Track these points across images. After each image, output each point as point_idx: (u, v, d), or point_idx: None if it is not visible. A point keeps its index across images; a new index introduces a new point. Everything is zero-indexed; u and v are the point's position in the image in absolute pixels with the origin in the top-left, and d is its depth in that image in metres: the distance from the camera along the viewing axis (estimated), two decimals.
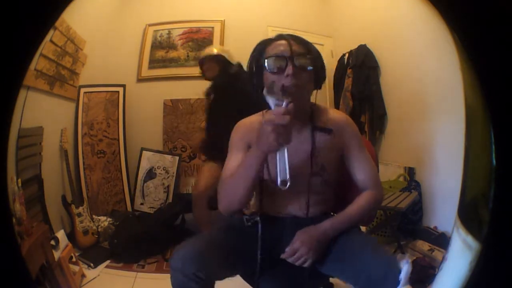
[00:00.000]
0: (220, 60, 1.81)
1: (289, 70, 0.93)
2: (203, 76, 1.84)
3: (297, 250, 0.95)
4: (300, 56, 0.95)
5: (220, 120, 1.72)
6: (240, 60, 1.75)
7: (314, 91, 1.06)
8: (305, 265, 0.96)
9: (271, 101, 0.91)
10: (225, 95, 1.77)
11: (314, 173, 1.03)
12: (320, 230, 0.98)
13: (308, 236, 0.97)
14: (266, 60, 0.96)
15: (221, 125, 1.70)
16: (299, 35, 1.01)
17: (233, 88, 1.75)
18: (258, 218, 1.04)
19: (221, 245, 0.99)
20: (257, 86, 1.00)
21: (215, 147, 1.74)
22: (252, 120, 1.09)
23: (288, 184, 0.90)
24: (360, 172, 1.06)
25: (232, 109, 1.68)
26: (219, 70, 1.80)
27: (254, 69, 1.00)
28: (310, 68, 0.97)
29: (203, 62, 1.86)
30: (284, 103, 0.86)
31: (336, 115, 1.09)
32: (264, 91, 0.93)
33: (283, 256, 0.98)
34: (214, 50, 1.88)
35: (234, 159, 1.02)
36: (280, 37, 1.00)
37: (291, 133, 0.85)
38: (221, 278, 0.97)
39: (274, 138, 0.83)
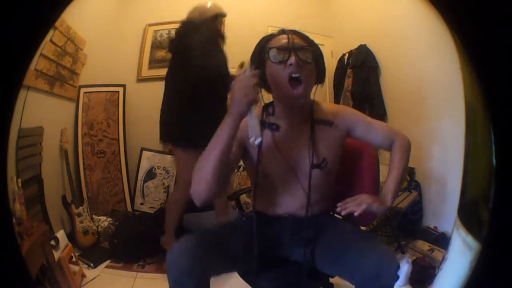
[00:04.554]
0: None
1: (292, 59, 0.95)
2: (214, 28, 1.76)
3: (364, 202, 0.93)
4: (301, 48, 0.98)
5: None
6: (241, 59, 1.74)
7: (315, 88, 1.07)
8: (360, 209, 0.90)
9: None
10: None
11: (315, 165, 1.03)
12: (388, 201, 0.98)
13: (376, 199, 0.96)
14: (269, 52, 0.98)
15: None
16: (299, 31, 1.03)
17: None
18: (253, 214, 1.03)
19: (219, 241, 0.98)
20: (260, 78, 1.01)
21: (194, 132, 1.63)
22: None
23: (259, 139, 0.91)
24: (376, 137, 1.09)
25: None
26: None
27: (257, 62, 1.01)
28: (311, 59, 0.99)
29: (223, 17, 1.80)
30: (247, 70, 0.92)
31: (334, 107, 1.13)
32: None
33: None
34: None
35: None
36: (282, 31, 1.02)
37: (258, 92, 0.90)
38: (217, 274, 0.97)
39: (243, 97, 0.88)
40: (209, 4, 1.76)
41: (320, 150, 1.04)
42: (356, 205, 0.92)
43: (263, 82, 1.00)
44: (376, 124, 1.11)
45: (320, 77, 1.04)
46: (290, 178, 1.04)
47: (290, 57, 0.96)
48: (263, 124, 1.03)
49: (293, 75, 0.96)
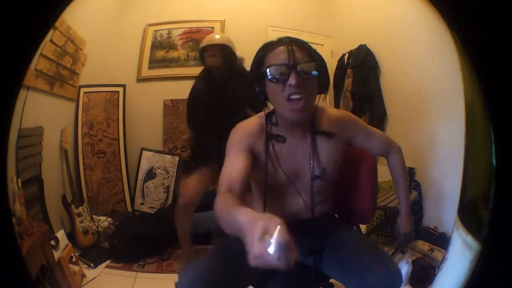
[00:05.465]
0: (225, 51, 1.72)
1: (292, 79, 0.89)
2: (203, 62, 1.75)
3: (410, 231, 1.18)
4: (303, 64, 0.91)
5: (217, 118, 1.64)
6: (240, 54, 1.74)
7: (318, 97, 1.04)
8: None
9: None
10: (225, 90, 1.69)
11: (315, 177, 1.02)
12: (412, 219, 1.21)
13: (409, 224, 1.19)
14: (267, 70, 0.92)
15: (216, 123, 1.60)
16: (299, 39, 0.98)
17: (235, 84, 1.67)
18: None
19: (226, 260, 0.95)
20: (259, 93, 0.99)
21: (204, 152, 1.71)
22: (252, 122, 1.05)
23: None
24: (374, 146, 1.13)
25: (232, 106, 1.62)
26: (223, 61, 1.71)
27: (255, 77, 0.98)
28: (314, 73, 0.92)
29: (206, 49, 1.72)
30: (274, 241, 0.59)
31: (336, 114, 1.09)
32: None
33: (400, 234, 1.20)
34: (217, 36, 1.79)
35: (232, 162, 0.97)
36: (280, 42, 0.95)
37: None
38: None
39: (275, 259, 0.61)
40: (217, 36, 1.79)
41: (321, 162, 1.03)
42: (410, 238, 1.21)
43: (264, 96, 0.98)
44: (374, 135, 1.12)
45: (323, 88, 1.00)
46: (292, 188, 1.05)
47: (289, 76, 0.89)
48: (267, 136, 1.01)
49: (293, 96, 0.90)
